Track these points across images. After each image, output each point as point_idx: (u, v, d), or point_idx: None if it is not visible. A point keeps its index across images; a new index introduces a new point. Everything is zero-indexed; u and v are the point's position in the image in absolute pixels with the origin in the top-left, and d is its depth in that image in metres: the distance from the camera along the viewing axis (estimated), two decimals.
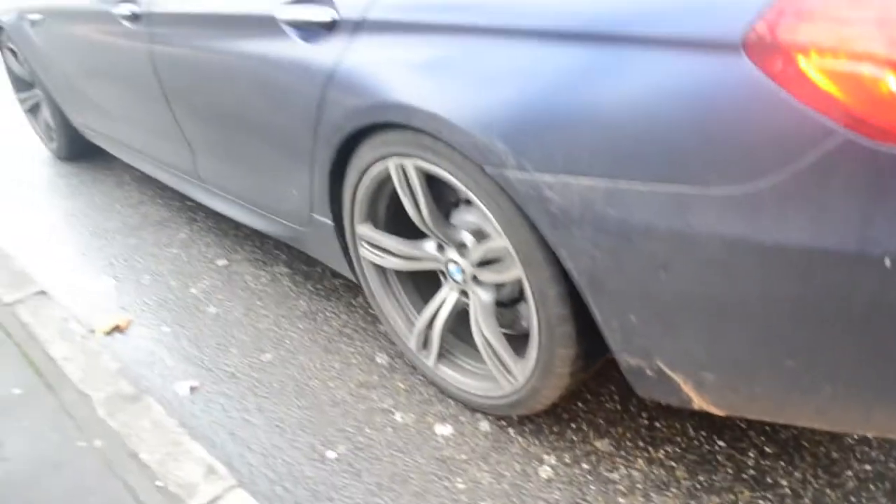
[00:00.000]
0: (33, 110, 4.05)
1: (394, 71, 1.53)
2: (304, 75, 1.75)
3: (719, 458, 1.67)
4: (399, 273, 1.93)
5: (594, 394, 1.88)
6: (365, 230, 1.86)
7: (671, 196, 1.20)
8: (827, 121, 1.04)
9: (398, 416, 1.86)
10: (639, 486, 1.61)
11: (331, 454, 1.75)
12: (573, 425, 1.79)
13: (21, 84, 3.99)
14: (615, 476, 1.64)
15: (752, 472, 1.64)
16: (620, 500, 1.58)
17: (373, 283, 1.96)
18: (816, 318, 1.17)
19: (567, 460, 1.69)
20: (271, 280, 2.53)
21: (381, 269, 1.93)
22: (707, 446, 1.70)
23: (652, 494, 1.59)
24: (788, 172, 1.09)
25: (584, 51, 1.23)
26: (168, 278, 2.61)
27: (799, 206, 1.11)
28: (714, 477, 1.62)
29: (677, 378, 1.39)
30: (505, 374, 1.71)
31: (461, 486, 1.63)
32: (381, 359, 2.07)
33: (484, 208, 1.49)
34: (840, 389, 1.23)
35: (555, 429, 1.78)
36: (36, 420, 1.77)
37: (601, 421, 1.79)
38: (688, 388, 1.39)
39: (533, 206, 1.37)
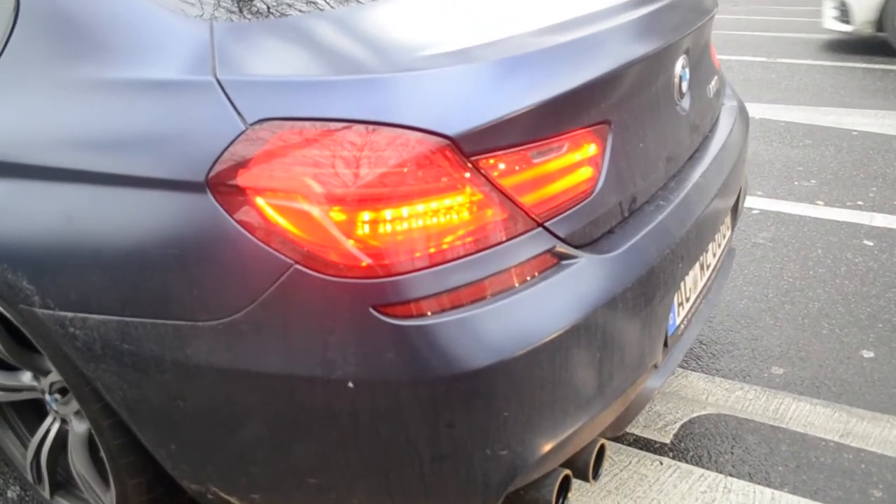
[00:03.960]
0: None
1: None
2: None
3: None
4: (14, 404, 1.85)
5: None
6: None
7: (171, 331, 1.23)
8: (279, 256, 1.11)
9: None
10: None
11: None
12: None
13: None
14: None
15: None
16: None
17: None
18: (314, 438, 1.23)
19: None
20: None
21: None
22: None
23: None
24: (257, 306, 1.14)
25: (73, 191, 1.25)
26: None
27: (270, 337, 1.16)
28: None
29: (233, 500, 1.39)
30: None
31: None
32: (13, 492, 1.95)
33: (35, 343, 1.46)
34: (364, 500, 1.28)
35: None
36: None
37: None
38: None
39: (64, 342, 1.36)
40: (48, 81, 1.29)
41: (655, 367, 1.51)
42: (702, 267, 1.69)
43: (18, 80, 1.33)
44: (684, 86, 1.59)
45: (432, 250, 1.12)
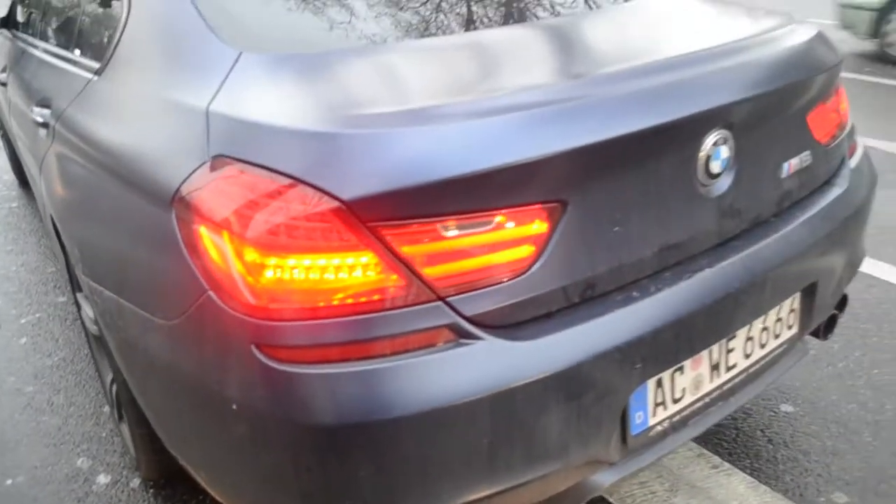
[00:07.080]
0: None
1: None
2: None
3: None
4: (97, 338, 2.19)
5: None
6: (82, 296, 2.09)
7: (143, 320, 1.43)
8: (201, 280, 1.25)
9: (81, 462, 2.10)
10: None
11: (9, 482, 2.03)
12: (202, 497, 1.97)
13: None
14: None
15: None
16: None
17: (92, 350, 2.26)
18: (221, 440, 1.35)
19: None
20: None
21: (93, 337, 2.19)
22: None
23: None
24: (186, 318, 1.30)
25: (96, 174, 1.50)
26: None
27: (193, 346, 1.31)
28: None
29: (194, 474, 1.57)
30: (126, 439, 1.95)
31: None
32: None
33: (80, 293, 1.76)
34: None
35: (185, 497, 1.98)
36: None
37: None
38: (204, 483, 1.57)
39: (93, 302, 1.64)
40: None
41: (610, 464, 1.42)
42: (714, 368, 1.52)
43: None
44: (715, 165, 1.42)
45: (314, 304, 1.17)
